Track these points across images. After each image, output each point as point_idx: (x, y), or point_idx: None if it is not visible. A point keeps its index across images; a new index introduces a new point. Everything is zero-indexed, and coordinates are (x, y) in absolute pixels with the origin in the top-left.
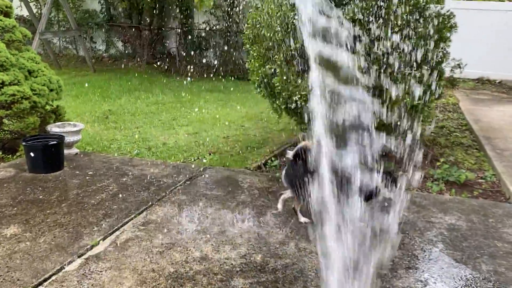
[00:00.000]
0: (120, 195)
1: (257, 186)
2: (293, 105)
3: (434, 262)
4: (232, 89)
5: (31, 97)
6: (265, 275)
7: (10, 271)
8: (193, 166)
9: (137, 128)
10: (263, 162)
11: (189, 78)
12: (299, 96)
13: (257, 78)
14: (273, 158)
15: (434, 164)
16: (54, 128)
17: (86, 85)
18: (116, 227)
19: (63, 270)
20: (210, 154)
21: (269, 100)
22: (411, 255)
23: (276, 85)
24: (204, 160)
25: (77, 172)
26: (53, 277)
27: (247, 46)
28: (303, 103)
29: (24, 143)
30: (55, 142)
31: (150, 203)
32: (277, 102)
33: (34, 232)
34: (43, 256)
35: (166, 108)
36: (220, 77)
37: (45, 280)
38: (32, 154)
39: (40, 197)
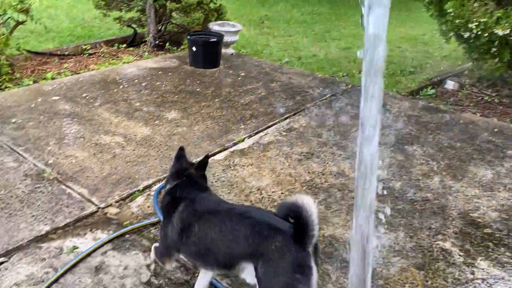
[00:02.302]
0: (267, 99)
1: (407, 113)
2: (467, 34)
3: None
4: (392, 5)
5: None
6: (402, 203)
7: (168, 149)
8: (340, 81)
9: (290, 36)
10: (417, 88)
11: None
12: (477, 23)
13: None
14: (429, 87)
15: None
16: (215, 26)
17: None
18: (260, 129)
19: (211, 158)
20: (359, 72)
21: (437, 22)
22: None
23: (448, 11)
24: (353, 78)
25: (231, 71)
26: None
27: None
28: (480, 32)
29: (188, 37)
30: (215, 40)
31: (294, 111)
32: (448, 25)
33: (190, 120)
34: (196, 142)
35: (320, 19)
36: None
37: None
38: (194, 49)
39: (198, 89)
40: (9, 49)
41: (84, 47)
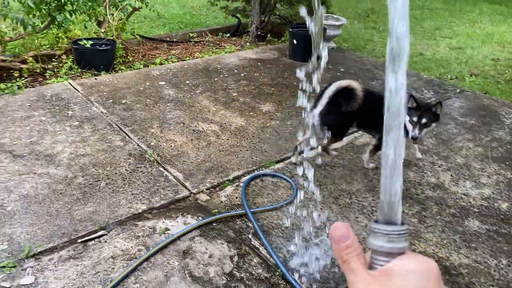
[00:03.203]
0: None
1: None
2: None
3: None
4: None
5: None
6: (508, 226)
7: (260, 141)
8: (448, 85)
9: None
10: None
11: None
12: None
13: None
14: None
15: None
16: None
17: None
18: (355, 129)
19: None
20: (471, 76)
21: None
22: None
23: None
24: (463, 82)
25: (330, 66)
26: (292, 158)
27: None
28: None
29: (290, 30)
30: None
31: None
32: None
33: (284, 113)
34: (287, 136)
35: (431, 15)
36: None
37: (286, 159)
38: (294, 42)
39: (294, 83)
40: (125, 34)
41: (191, 34)
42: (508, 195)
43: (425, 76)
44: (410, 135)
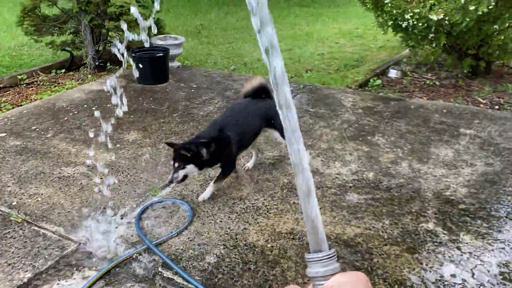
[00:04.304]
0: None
1: (361, 105)
2: (404, 23)
3: None
4: (321, 3)
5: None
6: (379, 191)
7: (138, 172)
8: (291, 82)
9: (229, 43)
10: (364, 81)
11: None
12: (411, 14)
13: None
14: (374, 77)
15: None
16: (157, 40)
17: None
18: None
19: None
20: (306, 72)
21: (374, 14)
22: None
23: (385, 1)
24: (301, 78)
25: (182, 84)
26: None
27: None
28: (415, 22)
29: (133, 55)
30: (161, 54)
31: None
32: (384, 16)
33: (153, 138)
34: (164, 161)
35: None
36: None
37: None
38: (140, 65)
39: (152, 106)
40: None
41: (19, 77)
42: (371, 166)
43: None
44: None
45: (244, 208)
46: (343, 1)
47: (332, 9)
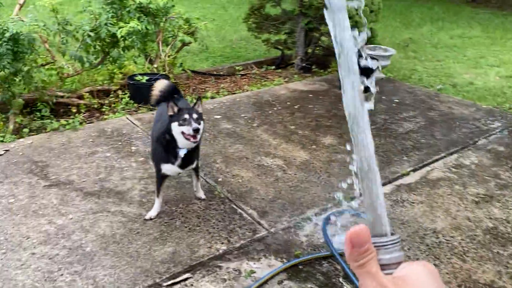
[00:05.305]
0: (428, 130)
1: None
2: None
3: None
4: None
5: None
6: None
7: (330, 176)
8: (510, 114)
9: (438, 61)
10: None
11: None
12: None
13: None
14: None
15: None
16: (366, 50)
17: (385, 9)
18: (426, 162)
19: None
20: None
21: None
22: None
23: None
24: None
25: (383, 97)
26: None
27: None
28: None
29: None
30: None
31: (461, 145)
32: None
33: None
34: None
35: (472, 43)
36: None
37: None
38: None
39: None
40: (175, 68)
41: (236, 67)
42: None
43: (483, 106)
44: (189, 131)
45: (436, 243)
46: None
47: None
